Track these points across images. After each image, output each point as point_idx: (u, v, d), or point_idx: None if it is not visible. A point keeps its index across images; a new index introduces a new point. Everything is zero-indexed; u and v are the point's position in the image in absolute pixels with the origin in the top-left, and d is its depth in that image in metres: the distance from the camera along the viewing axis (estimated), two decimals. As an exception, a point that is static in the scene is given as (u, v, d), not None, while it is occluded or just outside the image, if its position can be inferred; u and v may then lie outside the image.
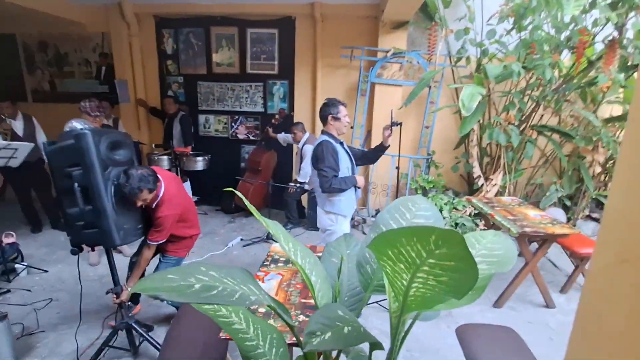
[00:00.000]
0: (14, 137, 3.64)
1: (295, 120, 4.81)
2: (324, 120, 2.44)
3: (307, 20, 4.66)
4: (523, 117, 4.13)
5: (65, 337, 2.39)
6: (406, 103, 4.29)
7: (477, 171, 4.21)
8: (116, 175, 1.90)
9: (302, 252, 0.78)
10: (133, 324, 2.16)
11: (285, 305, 1.45)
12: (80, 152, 1.75)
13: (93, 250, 2.13)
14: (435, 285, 0.53)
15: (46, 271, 3.23)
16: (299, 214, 4.62)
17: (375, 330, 2.51)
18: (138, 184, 1.90)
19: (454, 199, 4.21)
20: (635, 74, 3.70)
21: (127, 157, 2.02)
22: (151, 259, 2.32)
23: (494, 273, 0.74)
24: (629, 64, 3.67)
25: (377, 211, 4.72)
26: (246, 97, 5.09)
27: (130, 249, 3.27)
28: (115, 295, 2.13)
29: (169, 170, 4.65)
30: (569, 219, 4.44)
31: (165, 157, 4.43)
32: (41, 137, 3.87)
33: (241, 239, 4.13)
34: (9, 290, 2.87)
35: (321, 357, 0.79)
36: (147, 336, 2.17)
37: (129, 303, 2.52)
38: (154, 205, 2.11)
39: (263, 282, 1.67)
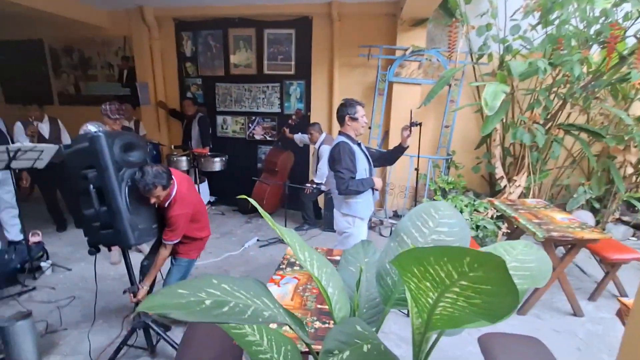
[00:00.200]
0: (41, 139, 3.77)
1: (312, 121, 4.79)
2: (341, 120, 2.39)
3: (324, 19, 4.62)
4: (549, 116, 3.96)
5: (86, 335, 2.44)
6: (425, 102, 4.18)
7: (499, 172, 4.07)
8: (130, 176, 1.93)
9: (318, 262, 0.75)
10: (150, 323, 2.18)
11: (301, 312, 1.42)
12: (95, 154, 1.78)
13: (110, 250, 2.16)
14: (466, 307, 0.49)
15: (70, 269, 3.33)
16: (316, 215, 4.59)
17: (393, 336, 2.45)
18: (152, 180, 1.93)
19: (474, 201, 4.08)
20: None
21: (141, 159, 2.05)
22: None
23: (527, 289, 0.68)
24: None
25: (395, 212, 4.64)
26: (263, 98, 5.10)
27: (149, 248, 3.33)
28: (132, 295, 2.17)
29: (187, 171, 4.74)
30: (597, 222, 4.22)
31: (184, 158, 4.49)
32: (66, 139, 3.99)
33: (257, 240, 4.13)
34: (34, 288, 2.97)
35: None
36: (164, 336, 2.19)
37: None
38: (167, 204, 2.13)
39: (279, 285, 1.65)
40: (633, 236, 4.25)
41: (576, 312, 2.76)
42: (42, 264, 3.22)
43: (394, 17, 4.46)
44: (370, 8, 4.45)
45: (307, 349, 1.05)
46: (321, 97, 4.90)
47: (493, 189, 4.52)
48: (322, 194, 4.43)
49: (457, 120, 4.52)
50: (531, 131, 3.68)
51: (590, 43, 3.66)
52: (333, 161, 2.28)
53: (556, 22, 3.61)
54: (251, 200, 0.79)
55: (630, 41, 3.62)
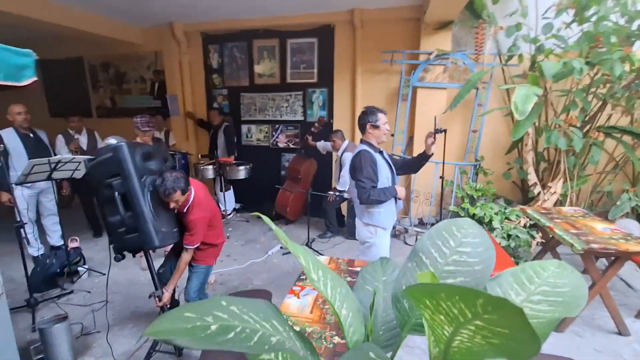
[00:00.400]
0: (79, 150, 4.01)
1: (334, 128, 4.78)
2: (362, 128, 2.36)
3: (347, 27, 4.63)
4: (587, 118, 3.72)
5: (118, 338, 2.54)
6: (451, 107, 4.06)
7: (532, 178, 3.86)
8: (151, 182, 2.04)
9: (332, 282, 0.72)
10: None
11: (320, 326, 1.40)
12: (118, 162, 1.89)
13: (134, 256, 2.25)
14: (484, 345, 0.45)
15: (104, 274, 3.49)
16: (339, 223, 4.56)
17: (418, 351, 2.36)
18: (172, 184, 2.02)
19: (505, 209, 3.89)
20: None
21: (159, 167, 2.17)
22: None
23: (558, 317, 0.62)
24: None
25: (420, 220, 4.51)
26: (286, 106, 5.17)
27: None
28: (157, 299, 2.23)
29: (214, 179, 4.86)
30: (645, 232, 3.90)
31: (210, 167, 4.62)
32: (102, 149, 4.23)
33: (281, 247, 4.15)
34: (72, 291, 3.14)
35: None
36: None
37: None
38: (186, 209, 2.21)
39: (298, 297, 1.64)
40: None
41: (621, 331, 2.55)
42: (79, 268, 3.40)
43: (417, 21, 4.39)
44: (393, 13, 4.40)
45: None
46: (344, 104, 4.89)
47: (526, 196, 4.30)
48: (345, 202, 4.40)
49: (485, 124, 4.35)
50: (567, 135, 3.47)
51: (633, 39, 3.42)
52: (354, 170, 2.25)
53: (593, 18, 3.40)
54: (263, 216, 0.79)
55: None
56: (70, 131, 4.12)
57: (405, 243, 4.26)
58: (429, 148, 2.38)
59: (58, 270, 3.18)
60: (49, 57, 5.93)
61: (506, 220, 3.82)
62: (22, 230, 2.68)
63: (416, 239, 4.20)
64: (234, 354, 1.60)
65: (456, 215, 4.12)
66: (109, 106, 5.94)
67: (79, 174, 3.22)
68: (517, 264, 3.59)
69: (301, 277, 1.88)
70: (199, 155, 5.19)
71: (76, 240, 3.58)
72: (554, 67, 3.20)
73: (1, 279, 1.70)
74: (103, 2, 4.06)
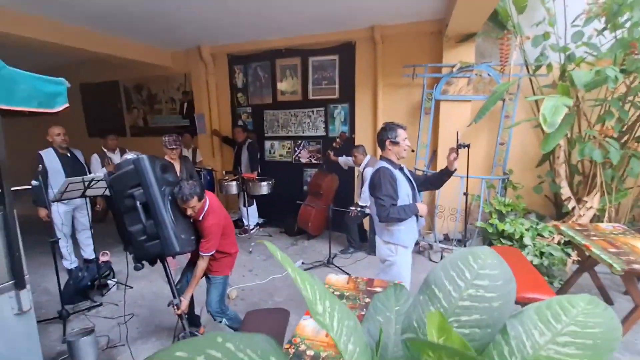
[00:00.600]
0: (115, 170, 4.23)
1: (356, 143, 4.78)
2: (381, 145, 2.34)
3: (367, 43, 4.67)
4: (624, 128, 3.50)
5: (141, 352, 2.59)
6: (476, 119, 3.95)
7: (566, 192, 3.65)
8: (169, 192, 2.15)
9: (339, 314, 0.70)
10: (196, 333, 2.27)
11: (334, 351, 1.36)
12: (140, 173, 1.99)
13: (153, 265, 2.33)
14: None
15: (132, 287, 3.61)
16: (361, 238, 4.49)
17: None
18: (189, 191, 2.15)
19: (537, 224, 3.69)
20: None
21: (175, 179, 2.30)
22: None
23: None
24: None
25: (446, 236, 4.36)
26: (308, 122, 5.23)
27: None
28: (175, 307, 2.29)
29: (237, 195, 4.96)
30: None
31: (233, 183, 4.72)
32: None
33: (302, 263, 4.14)
34: (101, 304, 3.26)
35: None
36: None
37: (194, 329, 2.67)
38: (202, 217, 2.31)
39: (315, 319, 1.61)
40: None
41: (674, 362, 2.30)
42: (109, 281, 3.53)
43: (438, 34, 4.35)
44: (414, 28, 4.40)
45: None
46: (365, 119, 4.89)
47: (559, 211, 4.06)
48: (367, 217, 4.34)
49: (513, 136, 4.19)
50: (603, 146, 3.27)
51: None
52: (373, 188, 2.22)
53: (627, 24, 3.23)
54: (267, 243, 0.78)
55: None
56: (105, 150, 4.37)
57: (430, 260, 4.11)
58: (451, 164, 2.31)
59: (89, 283, 3.32)
60: (88, 81, 6.40)
61: (538, 237, 3.62)
62: (56, 245, 2.83)
63: (441, 256, 4.05)
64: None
65: (484, 231, 3.95)
66: (142, 125, 6.27)
67: (110, 191, 3.39)
68: (551, 283, 3.37)
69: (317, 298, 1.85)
70: (224, 172, 5.33)
71: (107, 254, 3.74)
72: (586, 76, 3.05)
73: (30, 295, 1.79)
74: (137, 29, 4.35)
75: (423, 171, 4.30)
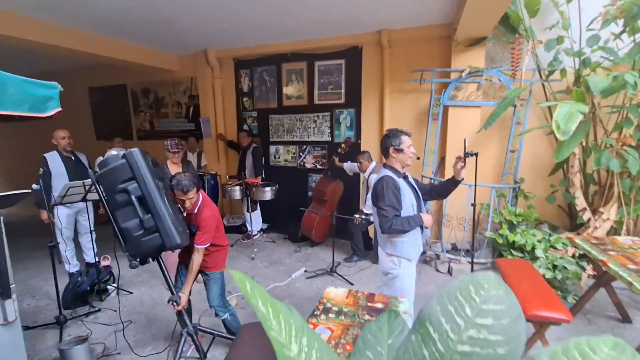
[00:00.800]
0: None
1: (362, 149, 4.69)
2: (385, 152, 2.25)
3: (374, 47, 4.59)
4: (644, 137, 3.33)
5: (137, 361, 2.53)
6: (486, 126, 3.83)
7: (581, 203, 3.49)
8: (163, 186, 2.12)
9: (319, 352, 0.61)
10: (199, 327, 2.34)
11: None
12: (134, 167, 1.93)
13: (153, 260, 2.28)
14: None
15: (131, 293, 3.57)
16: (365, 246, 4.38)
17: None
18: (189, 181, 2.22)
19: (550, 235, 3.53)
20: None
21: (163, 174, 2.30)
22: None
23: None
24: None
25: (453, 246, 4.22)
26: (314, 127, 5.16)
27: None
28: (175, 304, 2.26)
29: (241, 200, 4.91)
30: None
31: (237, 188, 4.67)
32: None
33: (305, 271, 4.04)
34: (99, 310, 3.21)
35: None
36: (218, 332, 2.42)
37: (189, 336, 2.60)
38: (197, 210, 2.34)
39: (309, 337, 1.52)
40: None
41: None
42: (108, 286, 3.49)
43: (447, 39, 4.25)
44: (422, 32, 4.31)
45: None
46: (371, 125, 4.80)
47: (573, 222, 3.89)
48: (372, 225, 4.22)
49: (525, 144, 4.05)
50: (620, 155, 3.12)
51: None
52: (376, 197, 2.13)
53: (646, 28, 3.09)
54: (234, 272, 0.69)
55: None
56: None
57: (437, 270, 3.98)
58: (457, 173, 2.20)
59: (88, 288, 3.28)
60: (96, 85, 6.46)
61: (551, 249, 3.46)
62: (55, 249, 2.80)
63: (448, 267, 3.91)
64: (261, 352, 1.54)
65: (493, 242, 3.80)
66: (148, 129, 6.29)
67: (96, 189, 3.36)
68: (564, 298, 3.20)
69: (315, 313, 1.75)
70: (227, 176, 5.29)
71: (108, 259, 3.71)
72: (602, 81, 2.91)
73: (16, 305, 1.74)
74: (144, 33, 4.36)
75: (430, 179, 4.18)
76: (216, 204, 5.43)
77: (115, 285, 3.54)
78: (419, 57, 4.40)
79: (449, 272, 3.87)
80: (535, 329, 2.33)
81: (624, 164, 3.06)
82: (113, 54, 4.58)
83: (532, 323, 2.31)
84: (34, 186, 2.81)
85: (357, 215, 4.12)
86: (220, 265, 2.56)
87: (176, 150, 3.43)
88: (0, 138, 7.76)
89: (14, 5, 3.36)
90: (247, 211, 4.81)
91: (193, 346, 2.42)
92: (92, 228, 3.89)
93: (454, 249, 4.18)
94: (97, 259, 3.68)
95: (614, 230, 3.42)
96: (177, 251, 2.66)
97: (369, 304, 1.85)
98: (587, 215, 3.44)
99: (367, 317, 1.71)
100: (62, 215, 3.61)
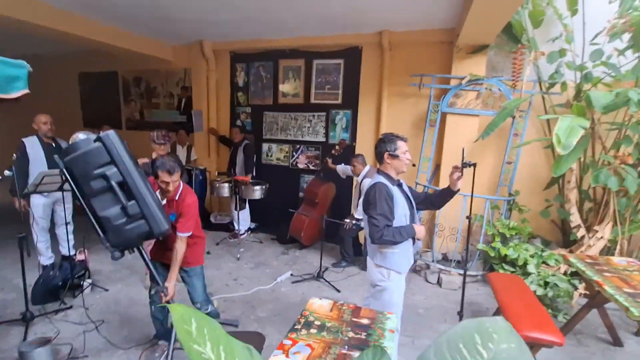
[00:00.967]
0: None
1: (356, 152, 4.58)
2: (379, 158, 2.13)
3: (375, 49, 4.49)
4: (643, 156, 3.27)
5: (105, 366, 2.38)
6: (483, 135, 3.75)
7: (575, 219, 3.43)
8: (142, 171, 2.00)
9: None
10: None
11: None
12: (112, 150, 1.79)
13: (133, 251, 2.13)
14: None
15: (107, 290, 3.40)
16: (355, 252, 4.26)
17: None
18: (175, 162, 2.16)
19: (543, 251, 3.46)
20: None
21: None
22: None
23: None
24: None
25: (444, 256, 4.13)
26: (308, 127, 5.04)
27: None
28: (162, 295, 2.14)
29: (230, 197, 4.77)
30: None
31: (226, 185, 4.52)
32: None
33: (291, 274, 3.91)
34: (71, 307, 3.04)
35: None
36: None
37: (163, 341, 2.47)
38: (178, 196, 2.26)
39: (287, 355, 1.39)
40: None
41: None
42: (83, 282, 3.32)
43: (449, 44, 4.17)
44: (424, 36, 4.21)
45: None
46: (368, 128, 4.69)
47: (567, 238, 3.83)
48: (363, 230, 4.11)
49: (521, 156, 3.98)
50: (618, 173, 3.05)
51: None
52: (367, 205, 2.01)
53: (651, 45, 3.03)
54: (172, 308, 0.57)
55: None
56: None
57: (426, 280, 3.88)
58: (454, 183, 2.10)
59: (60, 283, 3.11)
60: (87, 71, 6.25)
61: (543, 265, 3.39)
62: (24, 240, 2.63)
63: (438, 277, 3.82)
64: None
65: (485, 254, 3.72)
66: (138, 119, 6.10)
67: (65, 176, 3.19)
68: (555, 316, 3.13)
69: (295, 327, 1.63)
70: (217, 172, 5.14)
71: (84, 253, 3.53)
72: (605, 97, 2.84)
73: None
74: (138, 19, 4.19)
75: (424, 186, 4.09)
76: (204, 200, 5.34)
77: (90, 281, 3.37)
78: (420, 61, 4.31)
79: (439, 283, 3.77)
80: (525, 349, 2.24)
81: (622, 182, 2.99)
82: (105, 39, 4.40)
83: (522, 343, 2.22)
84: (6, 172, 2.64)
85: (347, 220, 4.01)
86: (199, 259, 2.48)
87: (162, 141, 3.28)
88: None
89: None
90: (235, 209, 4.67)
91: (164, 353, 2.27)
92: (70, 219, 3.71)
93: (445, 259, 4.09)
94: (73, 252, 3.51)
95: (607, 249, 3.36)
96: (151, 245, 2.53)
97: (354, 319, 1.73)
98: (581, 232, 3.38)
99: (351, 334, 1.60)
100: (37, 204, 3.43)
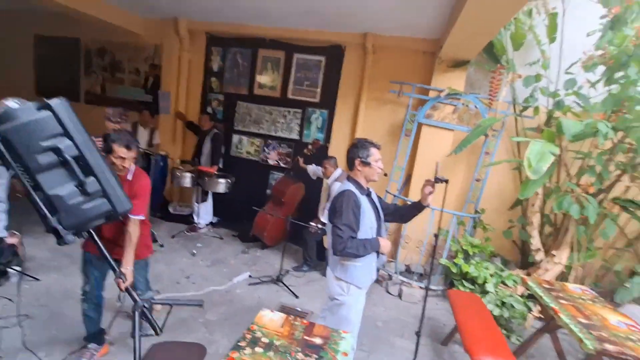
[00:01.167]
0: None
1: (329, 153, 4.47)
2: (350, 164, 2.00)
3: (358, 50, 4.38)
4: (603, 186, 3.38)
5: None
6: (456, 150, 3.74)
7: (536, 243, 3.49)
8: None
9: None
10: (152, 301, 2.10)
11: None
12: (65, 120, 1.53)
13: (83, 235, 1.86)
14: None
15: (38, 279, 3.04)
16: (318, 256, 4.13)
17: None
18: (132, 138, 2.07)
19: (502, 270, 3.49)
20: None
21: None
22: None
23: None
24: None
25: (407, 268, 4.09)
26: (283, 122, 4.85)
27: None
28: (120, 281, 1.90)
29: (190, 188, 4.48)
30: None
31: (188, 175, 4.23)
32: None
33: (250, 276, 3.71)
34: (-9, 297, 2.68)
35: None
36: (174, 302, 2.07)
37: (93, 344, 2.22)
38: (131, 176, 2.13)
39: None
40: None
41: None
42: (10, 270, 2.94)
43: (432, 55, 4.14)
44: (408, 43, 4.16)
45: None
46: (343, 130, 4.58)
47: (525, 259, 3.91)
48: (328, 235, 3.99)
49: (490, 174, 4.02)
50: (580, 202, 3.12)
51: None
52: (333, 213, 1.87)
53: (622, 80, 3.11)
54: None
55: None
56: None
57: (388, 292, 3.82)
58: (425, 198, 2.01)
59: (-19, 269, 2.72)
60: (45, 34, 5.68)
61: (502, 285, 3.42)
62: None
63: (399, 289, 3.76)
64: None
65: (446, 270, 3.71)
66: (99, 93, 5.61)
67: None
68: (508, 337, 3.16)
69: (239, 344, 1.45)
70: (179, 161, 4.82)
71: (16, 236, 3.13)
72: (575, 126, 2.89)
73: None
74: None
75: (394, 196, 4.03)
76: (163, 188, 4.99)
77: (19, 268, 2.99)
78: (401, 68, 4.25)
79: (400, 295, 3.72)
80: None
81: (583, 210, 3.06)
82: (68, 1, 3.96)
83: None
84: None
85: (312, 224, 3.87)
86: (144, 251, 2.31)
87: (119, 120, 3.01)
88: None
89: None
90: (197, 202, 4.39)
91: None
92: (3, 197, 3.28)
93: (408, 271, 4.06)
94: (5, 234, 3.10)
95: (563, 275, 3.45)
96: None
97: (306, 337, 1.58)
98: (540, 256, 3.44)
99: (300, 355, 1.45)
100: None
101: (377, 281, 3.96)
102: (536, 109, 3.79)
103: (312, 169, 4.18)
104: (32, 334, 2.39)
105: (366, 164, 1.95)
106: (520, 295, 3.31)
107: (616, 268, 3.53)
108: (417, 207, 2.08)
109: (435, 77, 4.05)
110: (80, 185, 1.60)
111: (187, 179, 4.24)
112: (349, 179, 2.00)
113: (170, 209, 5.08)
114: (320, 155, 4.29)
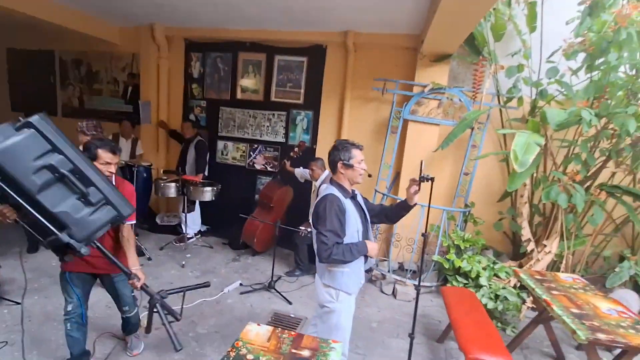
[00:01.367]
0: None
1: (317, 155, 4.40)
2: (332, 167, 1.95)
3: (339, 49, 4.32)
4: (589, 174, 3.39)
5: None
6: (443, 145, 3.71)
7: (526, 233, 3.48)
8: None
9: None
10: (167, 291, 1.96)
11: None
12: (50, 135, 1.46)
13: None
14: None
15: (18, 303, 2.92)
16: (310, 259, 4.07)
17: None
18: (114, 143, 2.05)
19: (495, 263, 3.48)
20: None
21: None
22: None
23: None
24: None
25: (400, 266, 4.06)
26: (267, 126, 4.78)
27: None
28: (135, 281, 1.89)
29: (177, 197, 4.38)
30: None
31: (172, 184, 4.13)
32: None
33: (240, 284, 3.64)
34: (-33, 325, 2.56)
35: None
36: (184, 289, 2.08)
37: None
38: (115, 183, 2.07)
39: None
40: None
41: None
42: (-12, 295, 2.82)
43: (414, 51, 4.11)
44: (389, 40, 4.12)
45: None
46: (329, 130, 4.52)
47: (517, 250, 3.91)
48: (319, 238, 3.93)
49: (478, 167, 4.00)
50: (567, 190, 3.12)
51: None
52: (317, 218, 1.81)
53: (603, 67, 3.11)
54: None
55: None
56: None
57: (382, 291, 3.78)
58: (410, 198, 1.96)
59: (-45, 296, 2.61)
60: (17, 47, 5.51)
61: (494, 278, 3.40)
62: None
63: (393, 288, 3.73)
64: None
65: (439, 265, 3.69)
66: (76, 105, 5.47)
67: None
68: (503, 330, 3.14)
69: (222, 365, 1.39)
70: (162, 171, 4.71)
71: (-7, 259, 3.02)
72: (559, 115, 2.88)
73: None
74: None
75: (383, 194, 3.99)
76: (148, 200, 4.88)
77: (-4, 292, 2.88)
78: (384, 65, 4.21)
79: (394, 294, 3.69)
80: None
81: (570, 199, 3.06)
82: (40, 13, 3.83)
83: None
84: None
85: (302, 228, 3.81)
86: (128, 264, 2.20)
87: (93, 132, 2.89)
88: None
89: None
90: (183, 212, 4.29)
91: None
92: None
93: (401, 269, 4.02)
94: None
95: (554, 263, 3.45)
96: None
97: (294, 350, 1.52)
98: (530, 246, 3.43)
99: (288, 370, 1.39)
100: None
101: (371, 281, 3.93)
102: (520, 100, 3.79)
103: (299, 172, 4.12)
104: (13, 361, 2.29)
105: (349, 166, 1.89)
106: (513, 286, 3.30)
107: (605, 254, 3.54)
108: (404, 207, 2.03)
109: (419, 73, 4.02)
110: (83, 197, 1.58)
111: (171, 189, 4.13)
112: (332, 182, 1.95)
113: (158, 220, 4.97)
114: (307, 157, 4.22)
